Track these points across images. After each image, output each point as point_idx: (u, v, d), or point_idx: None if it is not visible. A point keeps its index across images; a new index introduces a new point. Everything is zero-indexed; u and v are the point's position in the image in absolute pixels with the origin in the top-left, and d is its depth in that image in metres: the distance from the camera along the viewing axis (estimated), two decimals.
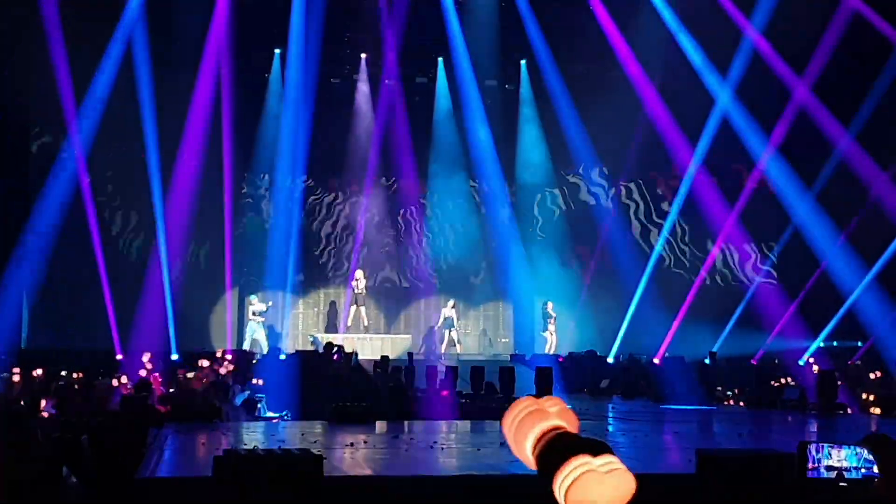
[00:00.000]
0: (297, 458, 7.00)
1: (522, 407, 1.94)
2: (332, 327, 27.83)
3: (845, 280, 24.05)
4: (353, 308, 27.78)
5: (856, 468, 4.69)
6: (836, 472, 4.79)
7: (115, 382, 17.14)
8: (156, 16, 25.18)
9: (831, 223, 24.59)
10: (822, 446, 5.08)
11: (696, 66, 25.63)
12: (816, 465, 4.85)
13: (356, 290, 27.89)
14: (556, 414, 1.91)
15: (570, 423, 1.91)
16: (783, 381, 21.38)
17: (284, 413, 16.60)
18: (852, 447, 4.66)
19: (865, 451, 4.48)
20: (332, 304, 28.50)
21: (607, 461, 1.78)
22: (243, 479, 6.56)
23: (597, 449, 1.84)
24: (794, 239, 25.96)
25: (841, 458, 4.71)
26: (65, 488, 7.74)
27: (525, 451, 1.88)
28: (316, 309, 28.98)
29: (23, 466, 7.00)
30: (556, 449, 1.82)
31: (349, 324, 27.67)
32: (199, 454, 9.92)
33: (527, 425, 1.89)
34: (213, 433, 11.27)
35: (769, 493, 6.74)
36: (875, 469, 4.48)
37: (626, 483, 1.76)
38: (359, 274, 28.04)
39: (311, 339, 27.65)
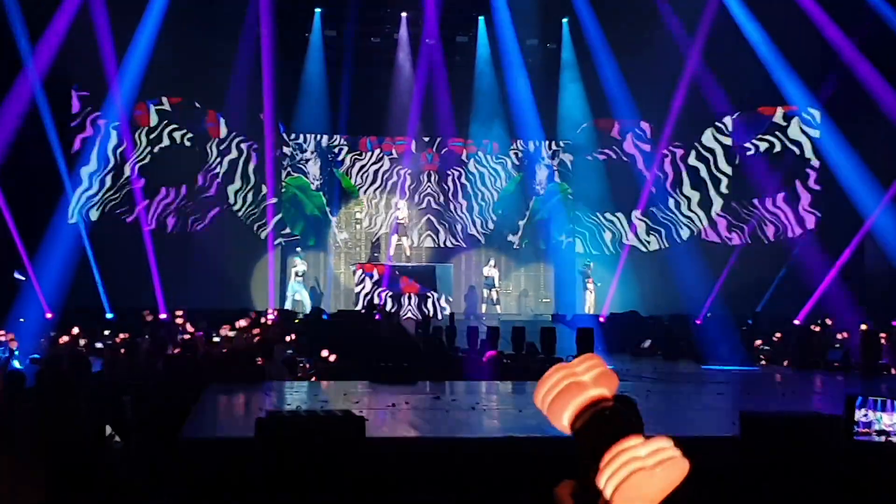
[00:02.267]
0: (340, 420, 7.01)
1: (554, 381, 1.78)
2: (374, 258, 27.81)
3: (889, 241, 23.76)
4: (395, 238, 27.82)
5: None
6: (885, 436, 4.65)
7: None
8: None
9: (877, 183, 24.18)
10: (873, 402, 4.89)
11: (741, 23, 25.26)
12: (866, 429, 4.74)
13: (399, 221, 27.88)
14: (591, 382, 1.76)
15: (608, 387, 1.77)
16: (827, 341, 21.16)
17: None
18: None
19: None
20: (377, 239, 28.51)
21: (655, 449, 1.65)
22: (286, 440, 6.58)
23: (637, 424, 1.71)
24: (838, 200, 25.53)
25: (893, 422, 4.57)
26: (108, 448, 7.81)
27: (561, 426, 1.76)
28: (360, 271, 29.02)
29: (66, 427, 7.06)
30: (597, 433, 1.69)
31: (391, 254, 27.74)
32: (242, 414, 9.98)
33: (561, 402, 1.75)
34: (255, 393, 11.33)
35: (816, 455, 6.68)
36: None
37: (678, 470, 1.64)
38: (401, 204, 28.11)
39: (353, 267, 27.53)
